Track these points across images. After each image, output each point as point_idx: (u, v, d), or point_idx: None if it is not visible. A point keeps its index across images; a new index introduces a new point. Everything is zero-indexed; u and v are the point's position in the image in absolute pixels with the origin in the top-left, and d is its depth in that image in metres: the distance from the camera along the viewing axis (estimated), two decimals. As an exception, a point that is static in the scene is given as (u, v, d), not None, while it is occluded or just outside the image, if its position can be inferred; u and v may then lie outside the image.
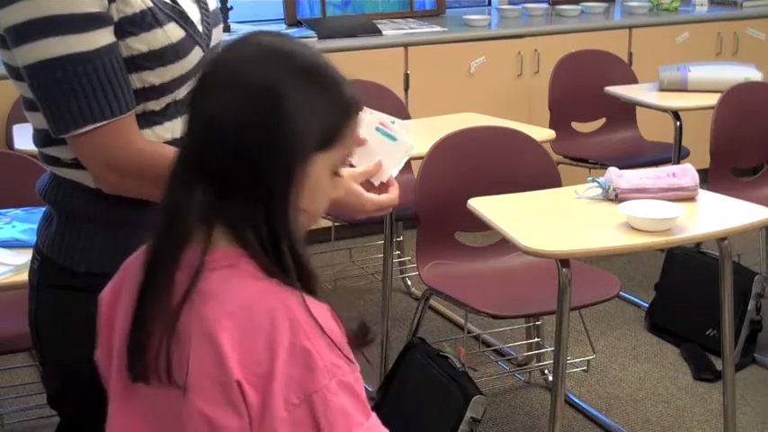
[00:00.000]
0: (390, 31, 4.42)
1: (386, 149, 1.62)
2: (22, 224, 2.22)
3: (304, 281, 1.13)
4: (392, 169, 1.61)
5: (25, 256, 2.04)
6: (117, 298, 1.26)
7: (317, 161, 1.14)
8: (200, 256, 1.12)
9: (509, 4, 5.13)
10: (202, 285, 1.12)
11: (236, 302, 1.11)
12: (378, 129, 1.66)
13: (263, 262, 1.12)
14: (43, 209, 1.57)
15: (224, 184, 1.12)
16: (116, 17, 1.38)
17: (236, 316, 1.10)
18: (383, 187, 1.60)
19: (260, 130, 1.10)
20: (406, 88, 4.29)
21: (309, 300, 1.12)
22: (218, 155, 1.11)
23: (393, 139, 1.62)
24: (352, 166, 1.62)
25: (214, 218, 1.13)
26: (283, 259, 1.12)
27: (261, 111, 1.10)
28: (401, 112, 3.60)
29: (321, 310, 1.13)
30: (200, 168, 1.12)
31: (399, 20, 4.71)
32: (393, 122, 1.67)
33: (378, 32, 4.35)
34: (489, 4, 5.27)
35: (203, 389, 1.09)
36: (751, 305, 3.23)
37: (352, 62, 4.15)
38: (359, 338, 1.17)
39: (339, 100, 1.17)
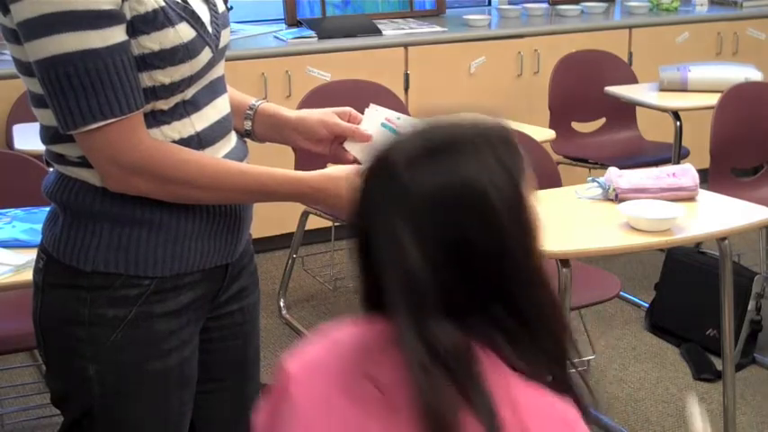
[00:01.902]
0: (390, 31, 4.42)
1: None
2: (22, 224, 2.22)
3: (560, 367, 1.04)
4: None
5: (25, 256, 2.04)
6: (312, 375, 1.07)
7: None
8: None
9: (509, 4, 5.13)
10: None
11: (518, 405, 0.98)
12: (383, 124, 1.66)
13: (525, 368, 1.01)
14: (44, 208, 1.57)
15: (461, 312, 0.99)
16: (129, 15, 1.38)
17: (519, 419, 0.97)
18: None
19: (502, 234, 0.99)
20: (406, 88, 4.29)
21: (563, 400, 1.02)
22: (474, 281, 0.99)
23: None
24: (357, 162, 1.62)
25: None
26: (542, 352, 1.02)
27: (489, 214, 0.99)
28: (401, 112, 3.59)
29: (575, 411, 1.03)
30: (446, 307, 0.99)
31: (399, 20, 4.71)
32: (399, 118, 1.67)
33: (378, 32, 4.35)
34: (489, 4, 5.27)
35: None
36: (751, 305, 3.23)
37: (352, 62, 4.17)
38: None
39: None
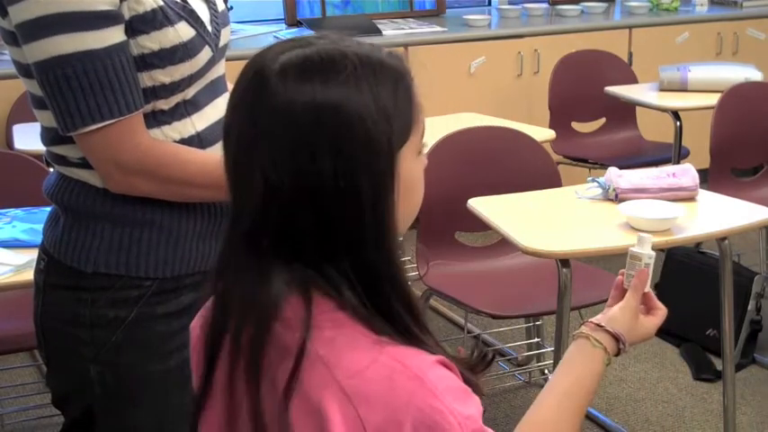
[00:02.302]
0: (390, 31, 4.42)
1: None
2: (22, 224, 2.22)
3: (415, 330, 0.99)
4: None
5: (25, 256, 2.04)
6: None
7: (403, 156, 0.98)
8: (304, 312, 0.96)
9: (509, 4, 5.13)
10: (309, 346, 0.96)
11: (341, 368, 0.95)
12: None
13: (370, 320, 0.97)
14: (44, 209, 1.57)
15: (304, 237, 0.96)
16: (127, 15, 1.38)
17: (340, 385, 0.94)
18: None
19: (331, 154, 0.93)
20: (406, 88, 4.28)
21: (418, 351, 0.97)
22: (289, 210, 0.95)
23: None
24: None
25: (310, 285, 0.97)
26: (388, 304, 0.98)
27: (325, 132, 0.94)
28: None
29: (434, 361, 0.97)
30: (261, 233, 0.96)
31: (399, 20, 4.71)
32: None
33: (378, 32, 4.35)
34: (489, 4, 5.27)
35: None
36: (751, 305, 3.23)
37: (352, 62, 4.16)
38: (479, 364, 1.06)
39: (397, 84, 1.00)
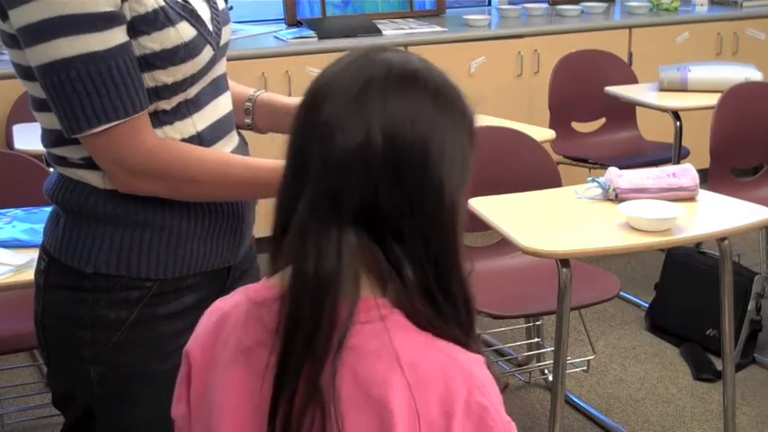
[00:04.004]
0: (390, 31, 4.42)
1: None
2: (22, 224, 2.22)
3: (465, 328, 1.02)
4: None
5: (25, 257, 2.04)
6: (211, 353, 1.09)
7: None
8: (350, 307, 0.97)
9: (509, 4, 5.13)
10: (355, 341, 0.96)
11: (400, 359, 0.96)
12: None
13: (422, 311, 0.98)
14: (44, 209, 1.57)
15: (374, 225, 0.97)
16: (129, 16, 1.38)
17: (402, 374, 0.96)
18: None
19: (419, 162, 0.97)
20: (406, 88, 4.28)
21: (465, 351, 1.00)
22: (365, 192, 0.96)
23: None
24: None
25: (359, 264, 0.98)
26: (450, 306, 1.00)
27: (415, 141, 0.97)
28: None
29: (479, 360, 1.01)
30: (339, 210, 0.96)
31: (399, 20, 4.71)
32: None
33: (378, 32, 4.35)
34: (489, 4, 5.27)
35: None
36: (751, 305, 3.24)
37: (352, 62, 4.17)
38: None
39: (470, 126, 1.09)
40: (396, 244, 0.97)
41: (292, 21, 4.58)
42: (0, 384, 3.14)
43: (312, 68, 4.10)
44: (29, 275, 1.62)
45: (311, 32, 4.29)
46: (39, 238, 1.57)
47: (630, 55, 4.73)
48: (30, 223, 2.20)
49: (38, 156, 2.70)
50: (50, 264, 1.51)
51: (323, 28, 4.33)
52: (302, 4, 4.62)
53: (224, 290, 1.60)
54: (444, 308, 1.00)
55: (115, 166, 1.42)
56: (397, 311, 0.98)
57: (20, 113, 3.39)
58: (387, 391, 0.95)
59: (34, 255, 1.59)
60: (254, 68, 3.97)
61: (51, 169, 1.56)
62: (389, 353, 0.96)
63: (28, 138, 3.01)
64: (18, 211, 2.30)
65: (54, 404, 1.60)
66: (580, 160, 4.06)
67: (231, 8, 4.27)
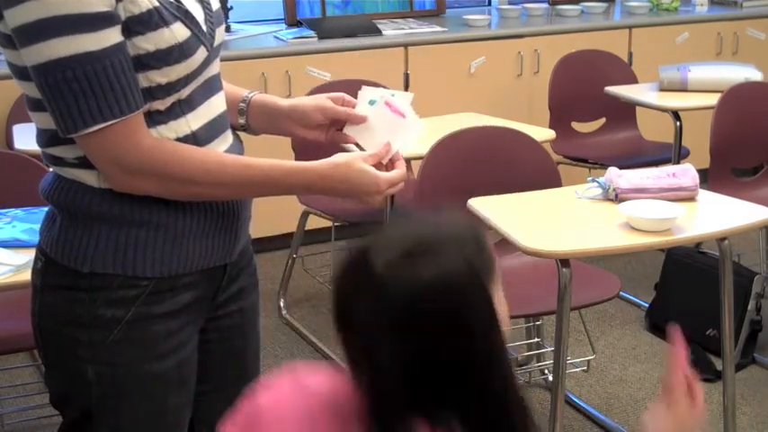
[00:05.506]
0: (390, 31, 4.42)
1: (392, 126, 1.62)
2: (22, 224, 2.22)
3: None
4: (398, 145, 1.61)
5: (25, 256, 2.04)
6: None
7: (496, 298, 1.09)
8: None
9: (509, 4, 5.13)
10: None
11: None
12: (370, 101, 1.66)
13: None
14: (44, 209, 1.57)
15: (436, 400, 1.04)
16: (123, 16, 1.38)
17: None
18: (390, 165, 1.59)
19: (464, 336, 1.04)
20: (406, 88, 4.28)
21: None
22: (437, 380, 1.03)
23: (401, 115, 1.63)
24: (359, 147, 1.62)
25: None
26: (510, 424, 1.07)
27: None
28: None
29: None
30: (414, 402, 1.04)
31: (399, 20, 4.71)
32: (393, 95, 1.67)
33: (378, 32, 4.35)
34: (489, 4, 5.27)
35: None
36: (751, 305, 3.24)
37: (352, 62, 4.17)
38: None
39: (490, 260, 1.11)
40: (440, 409, 1.04)
41: (292, 21, 4.58)
42: (0, 384, 3.14)
43: (312, 69, 4.10)
44: (29, 275, 1.62)
45: (311, 32, 4.29)
46: (38, 239, 1.57)
47: (630, 55, 4.73)
48: (30, 223, 2.20)
49: (38, 156, 2.67)
50: (47, 264, 1.51)
51: (323, 28, 4.33)
52: (302, 4, 4.62)
53: (220, 288, 1.60)
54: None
55: (111, 165, 1.42)
56: None
57: (20, 113, 3.38)
58: None
59: (34, 255, 1.59)
60: (254, 68, 3.97)
61: (49, 170, 1.56)
62: None
63: (28, 138, 2.99)
64: (18, 211, 2.30)
65: (52, 404, 1.60)
66: (580, 160, 4.06)
67: (231, 8, 4.29)
